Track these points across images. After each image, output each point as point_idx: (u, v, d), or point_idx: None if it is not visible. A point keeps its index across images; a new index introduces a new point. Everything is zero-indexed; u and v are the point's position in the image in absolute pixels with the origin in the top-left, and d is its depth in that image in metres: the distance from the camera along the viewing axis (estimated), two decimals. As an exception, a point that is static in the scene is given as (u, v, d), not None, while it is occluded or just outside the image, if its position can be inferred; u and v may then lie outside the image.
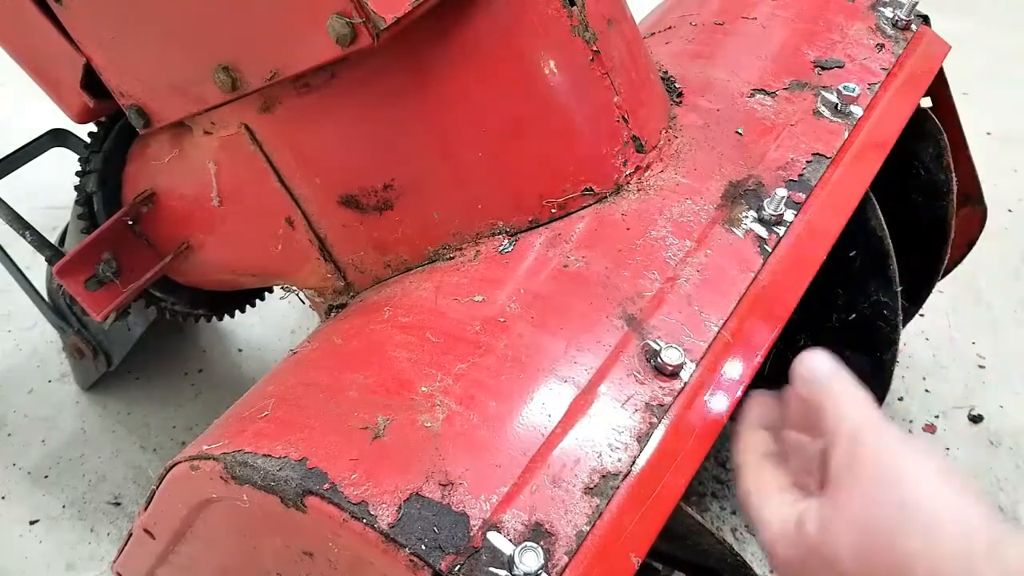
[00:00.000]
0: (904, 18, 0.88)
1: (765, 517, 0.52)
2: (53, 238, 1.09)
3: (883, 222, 0.81)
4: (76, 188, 0.85)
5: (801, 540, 0.48)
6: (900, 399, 1.20)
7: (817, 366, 0.54)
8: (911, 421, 1.17)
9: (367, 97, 0.62)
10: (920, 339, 1.28)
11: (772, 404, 0.59)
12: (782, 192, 0.66)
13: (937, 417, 1.18)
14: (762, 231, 0.66)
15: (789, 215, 0.67)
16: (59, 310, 1.14)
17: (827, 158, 0.72)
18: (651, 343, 0.57)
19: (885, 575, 0.45)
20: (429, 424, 0.51)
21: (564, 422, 0.52)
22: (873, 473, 0.47)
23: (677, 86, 0.81)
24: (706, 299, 0.61)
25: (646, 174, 0.70)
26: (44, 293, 1.13)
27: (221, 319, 1.02)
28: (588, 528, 0.48)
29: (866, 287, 0.87)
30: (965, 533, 0.44)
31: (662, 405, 0.54)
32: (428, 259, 0.68)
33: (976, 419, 1.18)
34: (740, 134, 0.75)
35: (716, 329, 0.59)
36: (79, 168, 0.86)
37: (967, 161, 0.98)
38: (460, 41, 0.61)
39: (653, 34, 0.94)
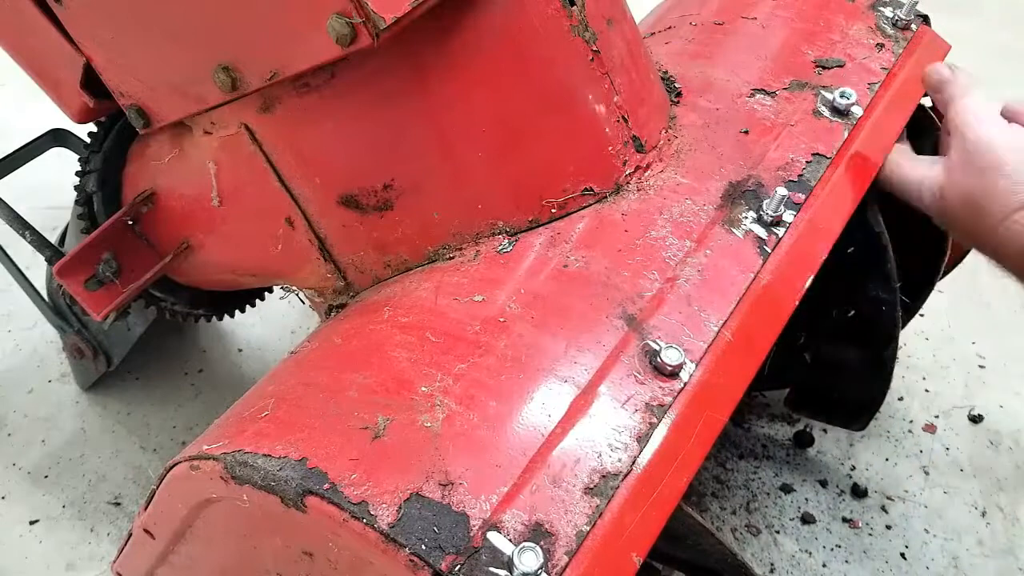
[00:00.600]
0: (904, 18, 0.88)
1: (907, 174, 0.74)
2: (53, 238, 1.08)
3: (880, 219, 0.81)
4: (76, 188, 0.85)
5: (934, 190, 0.72)
6: (900, 399, 1.20)
7: (943, 75, 0.76)
8: (911, 421, 1.17)
9: (367, 97, 0.62)
10: (920, 339, 1.28)
11: None
12: (782, 192, 0.66)
13: (937, 417, 1.18)
14: (761, 232, 0.66)
15: (788, 216, 0.67)
16: (59, 310, 1.14)
17: (827, 158, 0.72)
18: (651, 343, 0.57)
19: (973, 208, 0.69)
20: (429, 424, 0.51)
21: (564, 422, 0.52)
22: (972, 149, 0.70)
23: (677, 86, 0.81)
24: (706, 299, 0.61)
25: (646, 174, 0.70)
26: (44, 293, 1.13)
27: (221, 319, 1.02)
28: (588, 528, 0.48)
29: (865, 284, 0.87)
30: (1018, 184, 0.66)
31: (662, 405, 0.54)
32: (428, 259, 0.68)
33: (976, 419, 1.17)
34: (740, 134, 0.75)
35: (716, 329, 0.59)
36: (79, 168, 0.85)
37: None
38: (460, 41, 0.61)
39: (653, 34, 0.94)
